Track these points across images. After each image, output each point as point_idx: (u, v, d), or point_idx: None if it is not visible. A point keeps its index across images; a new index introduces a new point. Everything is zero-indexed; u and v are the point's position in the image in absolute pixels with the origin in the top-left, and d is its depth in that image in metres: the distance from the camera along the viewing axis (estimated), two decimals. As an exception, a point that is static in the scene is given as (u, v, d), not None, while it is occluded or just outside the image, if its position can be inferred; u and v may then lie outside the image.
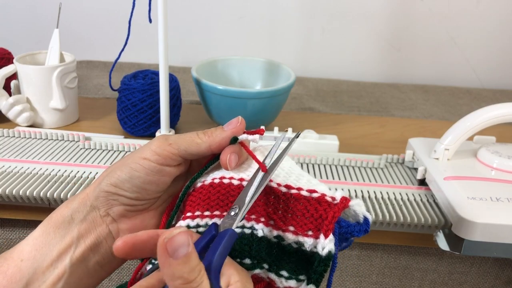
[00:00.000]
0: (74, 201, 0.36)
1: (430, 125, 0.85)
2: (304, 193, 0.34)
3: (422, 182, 0.60)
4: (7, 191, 0.54)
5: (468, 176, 0.57)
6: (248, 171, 0.37)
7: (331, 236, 0.32)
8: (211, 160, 0.38)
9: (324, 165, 0.64)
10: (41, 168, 0.59)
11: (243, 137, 0.37)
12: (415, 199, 0.57)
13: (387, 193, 0.58)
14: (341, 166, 0.64)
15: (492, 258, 0.60)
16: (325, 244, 0.32)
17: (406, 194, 0.58)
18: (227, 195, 0.35)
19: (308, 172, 0.62)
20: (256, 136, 0.37)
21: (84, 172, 0.59)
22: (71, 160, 0.62)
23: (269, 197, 0.35)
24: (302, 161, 0.64)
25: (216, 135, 0.36)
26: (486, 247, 0.50)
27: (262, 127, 0.69)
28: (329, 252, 0.31)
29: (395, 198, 0.57)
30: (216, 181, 0.36)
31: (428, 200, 0.57)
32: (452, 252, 0.51)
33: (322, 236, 0.32)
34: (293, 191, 0.35)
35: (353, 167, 0.64)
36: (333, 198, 0.34)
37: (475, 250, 0.50)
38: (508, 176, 0.57)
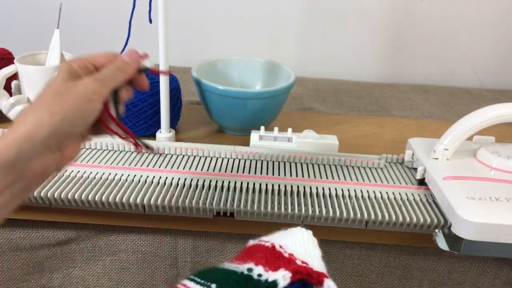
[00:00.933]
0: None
1: (429, 125, 0.85)
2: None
3: (422, 182, 0.60)
4: (8, 191, 0.54)
5: (467, 176, 0.57)
6: None
7: None
8: None
9: (324, 165, 0.64)
10: (41, 168, 0.59)
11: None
12: (414, 199, 0.57)
13: (387, 193, 0.58)
14: (341, 166, 0.64)
15: (491, 258, 0.60)
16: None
17: (406, 194, 0.58)
18: None
19: (308, 172, 0.62)
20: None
21: (85, 172, 0.59)
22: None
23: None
24: (302, 161, 0.65)
25: (129, 71, 0.43)
26: (485, 247, 0.50)
27: (262, 127, 0.69)
28: None
29: (395, 198, 0.57)
30: None
31: (427, 200, 0.57)
32: (451, 251, 0.51)
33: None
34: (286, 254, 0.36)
35: (352, 167, 0.64)
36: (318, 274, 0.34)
37: (474, 249, 0.50)
38: (507, 176, 0.57)
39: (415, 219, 0.53)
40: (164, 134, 0.70)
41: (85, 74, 0.41)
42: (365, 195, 0.57)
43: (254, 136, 0.68)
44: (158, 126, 0.71)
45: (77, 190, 0.55)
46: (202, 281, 0.35)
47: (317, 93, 1.01)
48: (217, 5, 1.10)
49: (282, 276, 0.33)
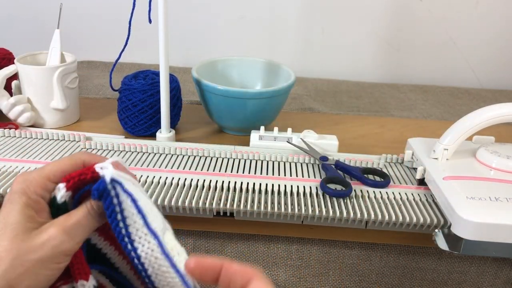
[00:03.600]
0: None
1: (429, 125, 0.85)
2: None
3: (421, 182, 0.60)
4: (8, 191, 0.54)
5: (467, 176, 0.57)
6: None
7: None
8: None
9: (324, 165, 0.64)
10: (42, 168, 0.59)
11: None
12: (414, 199, 0.58)
13: (387, 193, 0.58)
14: (341, 166, 0.64)
15: (491, 258, 0.60)
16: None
17: (406, 194, 0.58)
18: None
19: (308, 172, 0.62)
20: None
21: (85, 172, 0.59)
22: (72, 160, 0.62)
23: None
24: (301, 161, 0.65)
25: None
26: (485, 246, 0.50)
27: (262, 127, 0.69)
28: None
29: (395, 198, 0.57)
30: None
31: (427, 200, 0.57)
32: (451, 251, 0.51)
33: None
34: None
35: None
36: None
37: (474, 249, 0.50)
38: (506, 176, 0.58)
39: (415, 219, 0.53)
40: (164, 134, 0.70)
41: (47, 201, 0.33)
42: (365, 194, 0.58)
43: (254, 136, 0.68)
44: (158, 126, 0.71)
45: (78, 190, 0.55)
46: None
47: (317, 93, 1.01)
48: (217, 5, 1.10)
49: (58, 188, 0.32)
